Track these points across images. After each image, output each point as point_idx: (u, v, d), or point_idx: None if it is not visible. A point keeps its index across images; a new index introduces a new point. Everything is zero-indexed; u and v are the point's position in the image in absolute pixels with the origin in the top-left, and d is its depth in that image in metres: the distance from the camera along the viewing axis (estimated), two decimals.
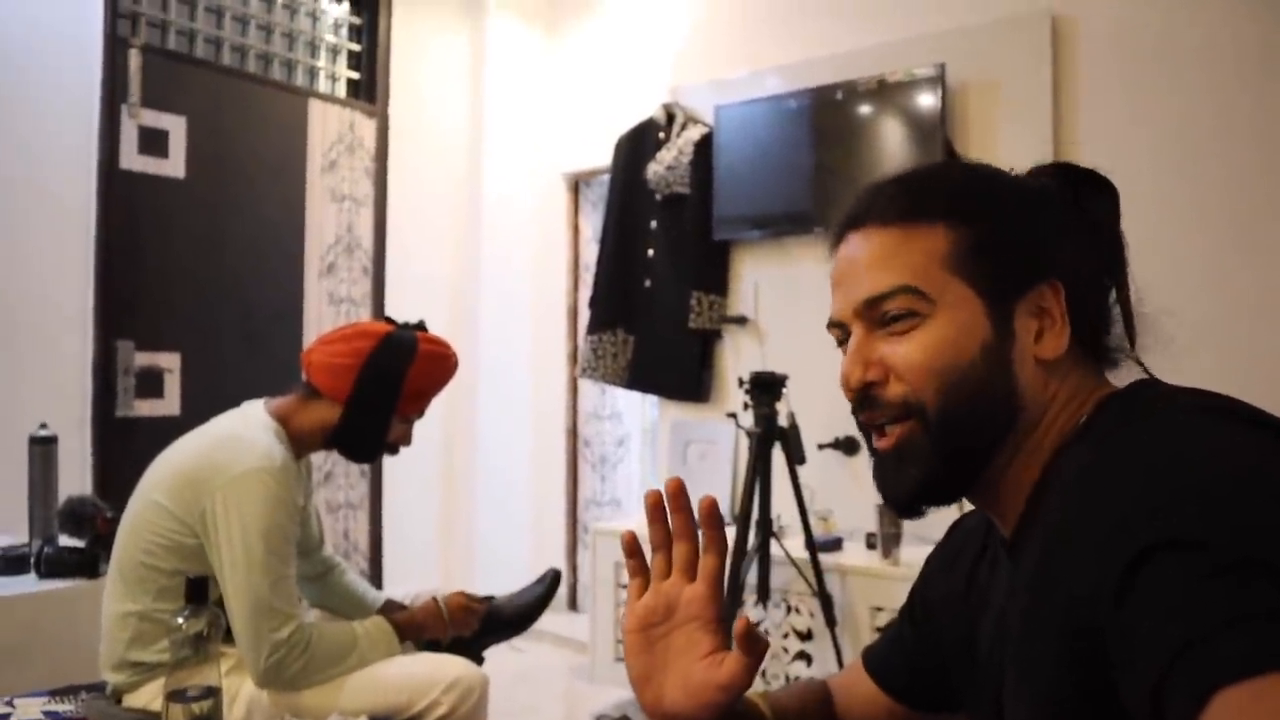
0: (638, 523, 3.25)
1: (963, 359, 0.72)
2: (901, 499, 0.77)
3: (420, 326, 1.88)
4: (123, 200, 3.04)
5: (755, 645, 0.75)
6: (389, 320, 1.88)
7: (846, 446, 3.06)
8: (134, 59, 3.06)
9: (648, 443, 4.21)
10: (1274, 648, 0.47)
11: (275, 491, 1.65)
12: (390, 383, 1.78)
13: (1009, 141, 2.87)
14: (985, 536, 0.87)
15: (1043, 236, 0.76)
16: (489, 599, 2.09)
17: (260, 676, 1.63)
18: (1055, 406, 0.75)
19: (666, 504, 0.80)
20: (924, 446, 0.74)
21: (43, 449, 2.39)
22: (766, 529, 2.68)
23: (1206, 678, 0.48)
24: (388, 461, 3.84)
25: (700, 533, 0.79)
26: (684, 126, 3.52)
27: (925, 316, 0.73)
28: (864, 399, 0.77)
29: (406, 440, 1.89)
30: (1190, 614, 0.51)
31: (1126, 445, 0.64)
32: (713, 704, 0.76)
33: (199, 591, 1.33)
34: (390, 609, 2.01)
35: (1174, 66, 2.64)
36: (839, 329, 0.81)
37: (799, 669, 2.80)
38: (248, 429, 1.74)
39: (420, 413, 1.88)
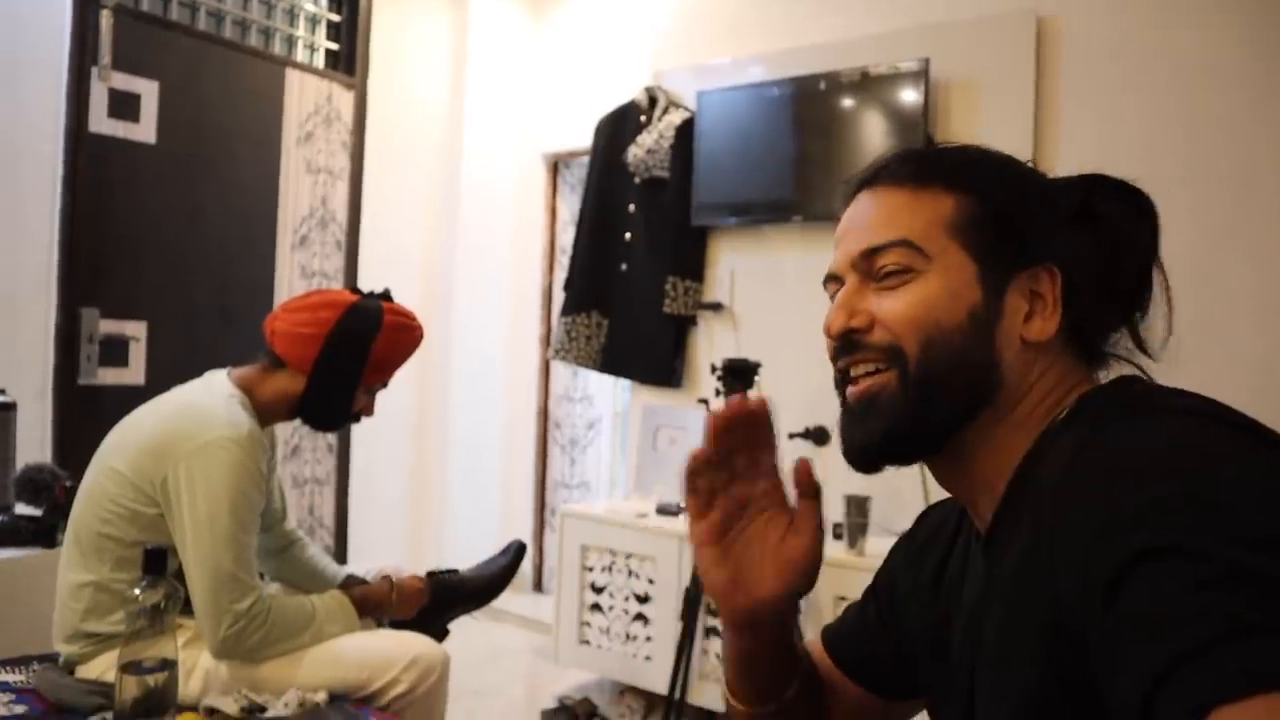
0: (605, 508, 3.25)
1: (949, 320, 0.73)
2: (862, 447, 0.77)
3: (386, 296, 1.86)
4: (91, 164, 2.98)
5: (812, 485, 0.76)
6: (354, 289, 1.85)
7: (817, 436, 3.07)
8: (105, 20, 2.99)
9: (618, 427, 4.21)
10: (1269, 665, 0.46)
11: (241, 460, 1.62)
12: (356, 353, 1.76)
13: (989, 139, 2.82)
14: (955, 529, 0.86)
15: (1045, 223, 0.76)
16: (452, 571, 2.07)
17: (218, 647, 1.61)
18: (1037, 393, 0.74)
19: (733, 416, 0.79)
20: (897, 397, 0.74)
21: (0, 416, 2.34)
22: None
23: (1201, 696, 0.47)
24: (356, 438, 3.82)
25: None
26: (665, 110, 3.50)
27: (919, 273, 0.74)
28: (845, 343, 0.77)
29: (370, 410, 1.87)
30: (1184, 625, 0.50)
31: (1120, 444, 0.62)
32: (805, 566, 0.77)
33: (157, 563, 1.31)
34: (351, 585, 1.99)
35: (1155, 68, 2.66)
36: (835, 282, 0.81)
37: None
38: (212, 398, 1.71)
39: (385, 383, 1.87)
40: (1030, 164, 0.82)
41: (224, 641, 1.60)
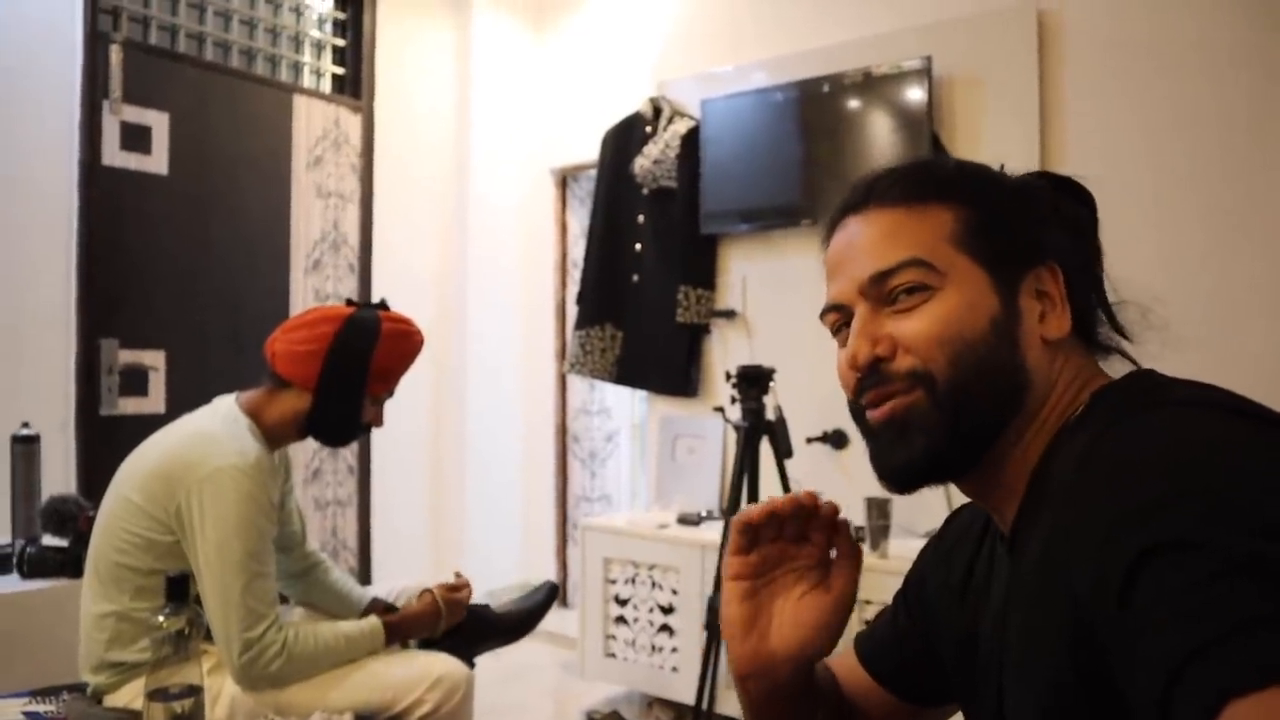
0: (626, 520, 3.24)
1: (973, 332, 0.72)
2: (901, 469, 0.75)
3: (382, 305, 1.86)
4: (105, 197, 3.02)
5: (853, 547, 0.74)
6: (350, 302, 1.86)
7: (835, 440, 3.06)
8: (115, 54, 3.03)
9: (637, 438, 4.20)
10: None
11: (248, 489, 1.62)
12: (357, 364, 1.76)
13: (995, 135, 2.87)
14: (983, 530, 0.86)
15: (1036, 222, 0.77)
16: (484, 607, 2.08)
17: (236, 674, 1.62)
18: (1058, 390, 0.75)
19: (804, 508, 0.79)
20: (931, 416, 0.72)
21: (24, 448, 2.37)
22: None
23: (1216, 688, 0.47)
24: (376, 458, 3.83)
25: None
26: (670, 120, 3.51)
27: (935, 290, 0.73)
28: (871, 375, 0.75)
29: (379, 421, 1.87)
30: (1197, 618, 0.49)
31: (1129, 439, 0.62)
32: (828, 625, 0.76)
33: (179, 589, 1.32)
34: (376, 607, 2.00)
35: (1159, 60, 2.64)
36: (837, 312, 0.80)
37: None
38: (220, 425, 1.72)
39: (390, 391, 1.86)
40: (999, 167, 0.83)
41: (241, 669, 1.61)
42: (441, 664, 1.81)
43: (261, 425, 1.76)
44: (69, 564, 2.18)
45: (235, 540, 1.60)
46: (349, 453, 3.78)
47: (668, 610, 3.06)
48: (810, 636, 0.76)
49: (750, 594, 0.79)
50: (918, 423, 0.73)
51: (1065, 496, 0.64)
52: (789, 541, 0.79)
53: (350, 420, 1.80)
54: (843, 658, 1.00)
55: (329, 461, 3.72)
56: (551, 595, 2.14)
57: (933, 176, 0.78)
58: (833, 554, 0.80)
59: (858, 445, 3.12)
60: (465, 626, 1.98)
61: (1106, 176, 0.81)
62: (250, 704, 1.66)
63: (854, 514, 2.80)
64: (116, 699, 1.66)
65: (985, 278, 0.74)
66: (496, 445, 4.21)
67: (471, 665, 1.95)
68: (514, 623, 2.07)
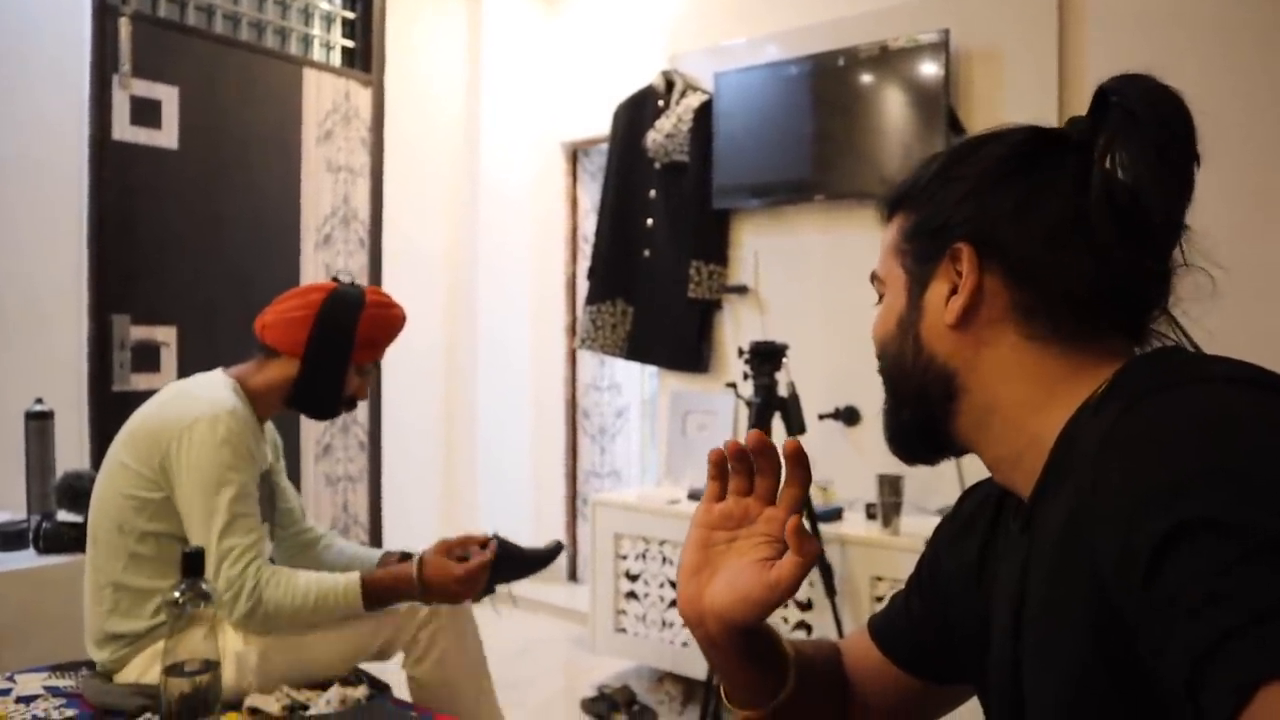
0: (637, 496, 3.24)
1: (885, 333, 0.82)
2: (890, 446, 0.85)
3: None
4: (115, 172, 3.00)
5: (806, 545, 0.72)
6: (335, 279, 1.92)
7: (846, 416, 3.05)
8: (124, 27, 3.01)
9: (647, 414, 4.20)
10: None
11: (224, 434, 1.66)
12: (344, 330, 1.81)
13: (1013, 109, 2.83)
14: (996, 508, 0.85)
15: (959, 201, 0.76)
16: (495, 538, 2.00)
17: (224, 614, 1.64)
18: (997, 371, 0.74)
19: (750, 450, 0.78)
20: (886, 406, 0.84)
21: (39, 424, 2.38)
22: None
23: (1248, 673, 0.46)
24: (387, 434, 3.84)
25: (785, 470, 0.77)
26: (683, 94, 3.48)
27: (881, 299, 0.84)
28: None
29: (364, 393, 1.92)
30: (1228, 601, 0.48)
31: (1156, 414, 0.60)
32: (756, 601, 0.74)
33: (195, 565, 1.33)
34: (388, 560, 2.00)
35: (1184, 34, 2.60)
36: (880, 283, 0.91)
37: (799, 637, 2.80)
38: (203, 385, 1.77)
39: (375, 362, 1.92)
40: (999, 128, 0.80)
41: (225, 607, 1.62)
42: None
43: (247, 391, 1.80)
44: (83, 539, 2.18)
45: (215, 482, 1.64)
46: (360, 428, 3.79)
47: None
48: (735, 604, 0.75)
49: (705, 543, 0.79)
50: (884, 409, 0.84)
51: (1090, 471, 0.62)
52: (759, 498, 0.78)
53: (335, 389, 1.85)
54: (854, 637, 1.00)
55: (340, 437, 3.73)
56: (560, 547, 2.15)
57: (902, 188, 0.83)
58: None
59: (869, 421, 3.11)
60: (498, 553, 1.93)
61: None
62: (253, 664, 1.67)
63: (867, 490, 2.80)
64: (126, 675, 1.67)
65: (904, 279, 0.80)
66: (507, 421, 4.21)
67: (489, 591, 1.90)
68: (537, 556, 2.05)
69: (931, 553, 0.94)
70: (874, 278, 0.85)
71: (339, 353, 1.82)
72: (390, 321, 1.89)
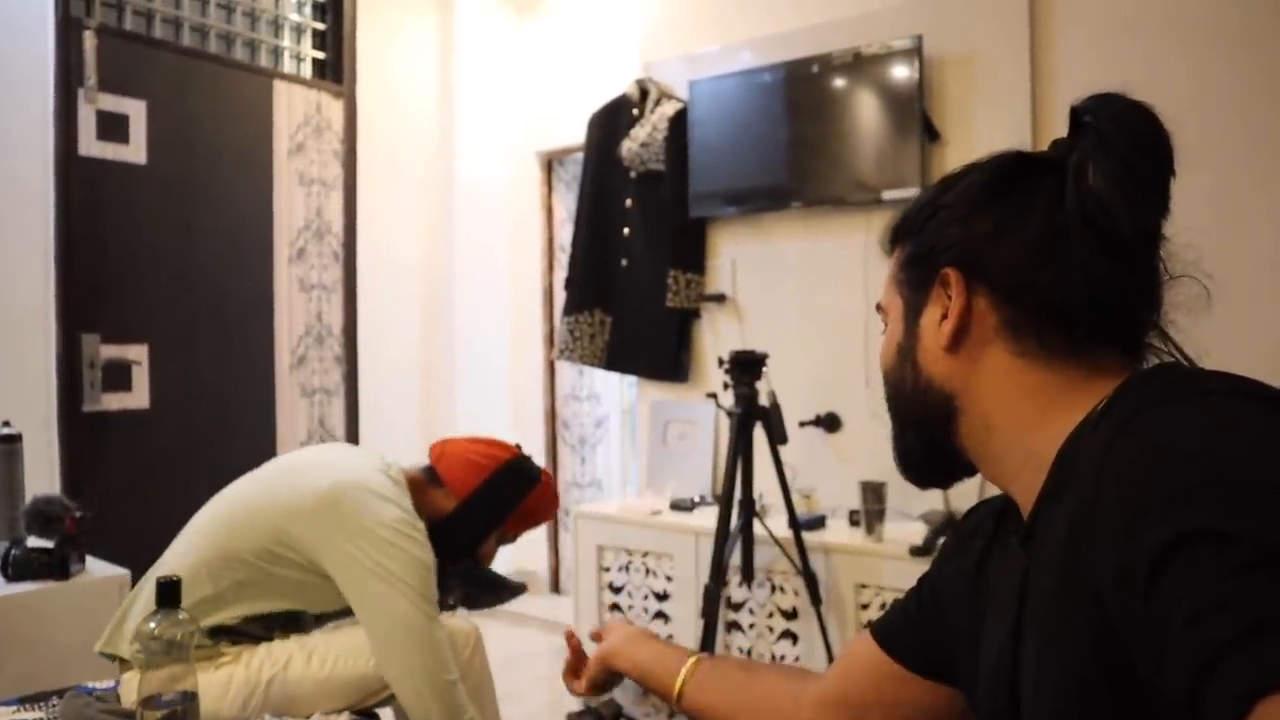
0: (619, 507, 3.22)
1: (888, 361, 0.85)
2: (900, 469, 0.88)
3: None
4: (83, 188, 2.96)
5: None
6: (518, 447, 1.96)
7: (828, 423, 3.05)
8: (89, 40, 2.96)
9: (627, 423, 4.18)
10: None
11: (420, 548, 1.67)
12: (510, 496, 1.87)
13: (986, 114, 2.85)
14: (999, 518, 0.86)
15: (950, 230, 0.78)
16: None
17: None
18: (991, 390, 0.76)
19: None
20: (892, 432, 0.87)
21: (6, 447, 2.32)
22: (749, 509, 2.66)
23: (1248, 684, 0.46)
24: (365, 437, 3.80)
25: None
26: (658, 102, 3.47)
27: (885, 328, 0.86)
28: None
29: (489, 559, 1.95)
30: (1227, 612, 0.48)
31: (1155, 427, 0.61)
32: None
33: (170, 595, 1.29)
34: None
35: (1152, 38, 2.61)
36: None
37: (784, 648, 2.79)
38: (390, 485, 1.73)
39: (513, 538, 1.96)
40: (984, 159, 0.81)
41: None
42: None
43: (413, 499, 1.78)
44: (55, 566, 2.14)
45: (414, 578, 1.63)
46: (336, 440, 3.75)
47: (662, 597, 3.05)
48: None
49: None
50: (892, 436, 0.87)
51: (1090, 486, 0.62)
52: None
53: (475, 541, 1.88)
54: (852, 643, 1.03)
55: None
56: (522, 589, 2.21)
57: (901, 220, 0.85)
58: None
59: (850, 428, 3.10)
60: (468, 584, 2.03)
61: None
62: (260, 696, 1.64)
63: (849, 497, 2.79)
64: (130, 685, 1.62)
65: (901, 307, 0.83)
66: (486, 432, 4.18)
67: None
68: (504, 583, 2.12)
69: (936, 565, 0.97)
70: (879, 308, 0.88)
71: (495, 513, 1.87)
72: (549, 509, 1.95)
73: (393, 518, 1.65)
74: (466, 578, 2.05)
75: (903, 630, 0.97)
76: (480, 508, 1.85)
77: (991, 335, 0.76)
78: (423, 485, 1.85)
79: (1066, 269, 0.73)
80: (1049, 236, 0.74)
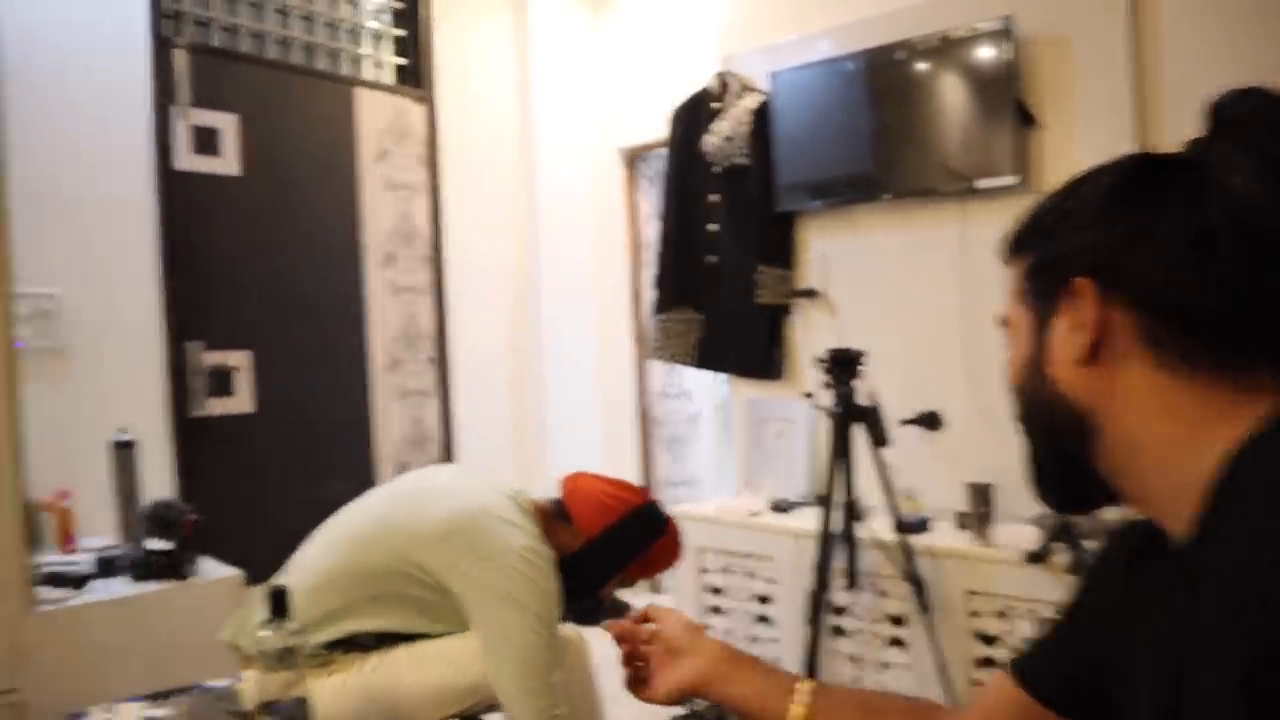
0: (717, 507, 3.18)
1: (1019, 377, 0.79)
2: (1037, 493, 0.82)
3: None
4: (180, 201, 3.03)
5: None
6: (649, 492, 1.98)
7: (928, 422, 2.94)
8: (180, 58, 3.03)
9: (720, 420, 4.14)
10: None
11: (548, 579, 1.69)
12: (638, 541, 1.86)
13: (1085, 96, 2.72)
14: (1146, 544, 0.80)
15: (1079, 237, 0.73)
16: None
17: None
18: (1132, 407, 0.70)
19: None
20: (1026, 455, 0.81)
21: (122, 454, 2.41)
22: (851, 511, 2.59)
23: None
24: (459, 446, 3.84)
25: None
26: (740, 95, 3.41)
27: (1011, 343, 0.81)
28: None
29: (606, 600, 1.96)
30: None
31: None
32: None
33: (280, 605, 1.31)
34: None
35: (1268, 9, 2.47)
36: None
37: (892, 655, 2.72)
38: (521, 517, 1.75)
39: (634, 583, 1.95)
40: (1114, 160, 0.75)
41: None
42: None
43: (544, 534, 1.80)
44: (174, 567, 2.24)
45: (540, 606, 1.65)
46: (434, 445, 3.79)
47: (764, 600, 3.00)
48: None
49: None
50: (1026, 458, 0.81)
51: (1261, 529, 0.57)
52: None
53: (599, 582, 1.88)
54: (987, 687, 0.97)
55: (418, 462, 3.73)
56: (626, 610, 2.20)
57: (1022, 228, 0.80)
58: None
59: (953, 427, 2.98)
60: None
61: None
62: (371, 702, 1.65)
63: (955, 499, 2.71)
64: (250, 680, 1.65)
65: (1031, 320, 0.77)
66: (577, 432, 4.19)
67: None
68: (618, 605, 2.10)
69: (1081, 590, 0.90)
70: (1002, 322, 0.84)
71: (621, 556, 1.86)
72: (673, 557, 1.93)
73: (521, 545, 1.65)
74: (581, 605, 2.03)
75: (1046, 669, 0.91)
76: (606, 551, 1.85)
77: (1128, 348, 0.70)
78: (551, 518, 1.85)
79: (1210, 276, 0.67)
80: (1189, 241, 0.68)
